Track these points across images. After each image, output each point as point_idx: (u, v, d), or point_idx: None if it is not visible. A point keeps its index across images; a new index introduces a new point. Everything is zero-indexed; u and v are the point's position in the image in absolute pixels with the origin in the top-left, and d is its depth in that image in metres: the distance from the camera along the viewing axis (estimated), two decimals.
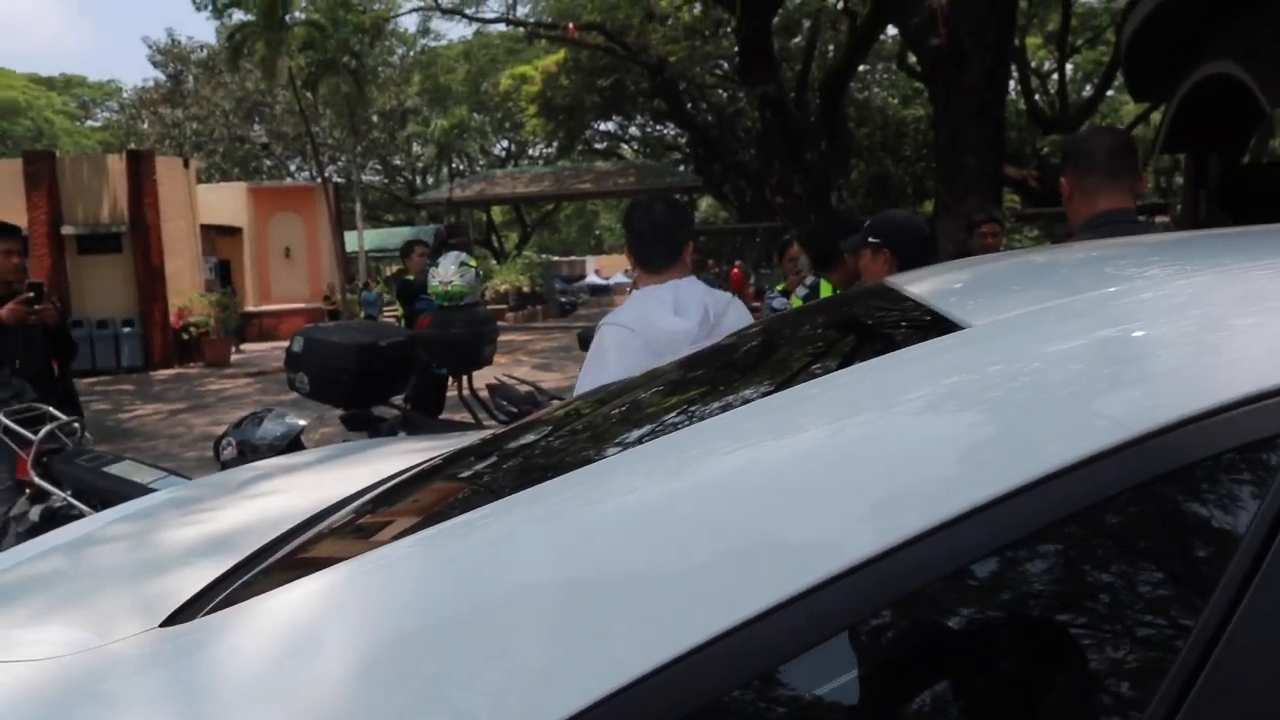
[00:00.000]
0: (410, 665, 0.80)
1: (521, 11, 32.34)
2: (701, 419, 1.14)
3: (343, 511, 1.45)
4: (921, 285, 1.36)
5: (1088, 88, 31.39)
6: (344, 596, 0.93)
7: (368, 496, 1.52)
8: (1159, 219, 26.70)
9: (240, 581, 1.16)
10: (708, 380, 1.47)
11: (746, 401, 1.13)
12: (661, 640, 0.74)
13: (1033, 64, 30.70)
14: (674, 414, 1.25)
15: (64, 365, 4.68)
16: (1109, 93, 28.97)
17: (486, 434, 1.98)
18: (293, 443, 3.97)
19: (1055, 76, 30.69)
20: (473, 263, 5.37)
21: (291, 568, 1.18)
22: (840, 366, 1.19)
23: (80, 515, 3.75)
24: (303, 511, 1.50)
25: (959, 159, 8.78)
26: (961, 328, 1.00)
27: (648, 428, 1.21)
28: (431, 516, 1.19)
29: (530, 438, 1.57)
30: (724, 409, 1.13)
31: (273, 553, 1.28)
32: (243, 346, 22.80)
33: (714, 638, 0.73)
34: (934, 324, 1.08)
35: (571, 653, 0.77)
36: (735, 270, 22.93)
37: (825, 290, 4.79)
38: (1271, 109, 15.91)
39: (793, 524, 0.79)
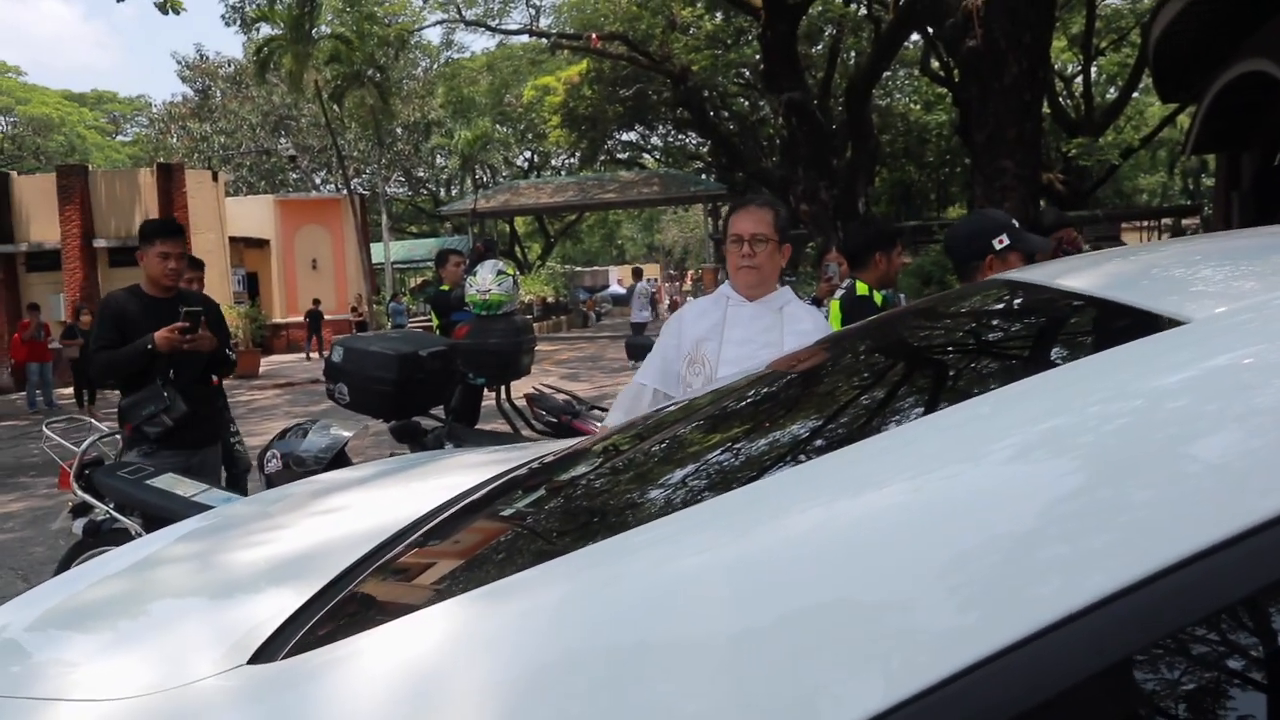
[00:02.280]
0: (547, 711, 0.72)
1: (544, 23, 32.47)
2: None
3: (418, 536, 1.37)
4: (1077, 279, 1.20)
5: (1112, 90, 31.10)
6: (459, 635, 0.85)
7: (441, 519, 1.44)
8: (1186, 221, 26.41)
9: (325, 611, 1.08)
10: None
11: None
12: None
13: (1057, 66, 30.45)
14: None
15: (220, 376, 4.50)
16: (1134, 95, 28.65)
17: (545, 453, 1.89)
18: (338, 455, 3.90)
19: (1080, 79, 30.42)
20: (510, 271, 5.31)
21: (382, 598, 1.10)
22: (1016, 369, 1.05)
23: (123, 529, 3.71)
24: (373, 532, 1.42)
25: (996, 161, 8.65)
26: (1180, 322, 0.86)
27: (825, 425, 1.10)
28: (519, 550, 1.10)
29: (595, 468, 1.47)
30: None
31: (353, 579, 1.20)
32: (270, 358, 22.87)
33: None
34: (1132, 320, 0.94)
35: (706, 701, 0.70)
36: None
37: (861, 290, 4.74)
38: None
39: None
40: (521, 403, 5.47)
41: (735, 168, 31.04)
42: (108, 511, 3.74)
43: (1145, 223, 26.84)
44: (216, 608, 1.21)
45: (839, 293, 5.18)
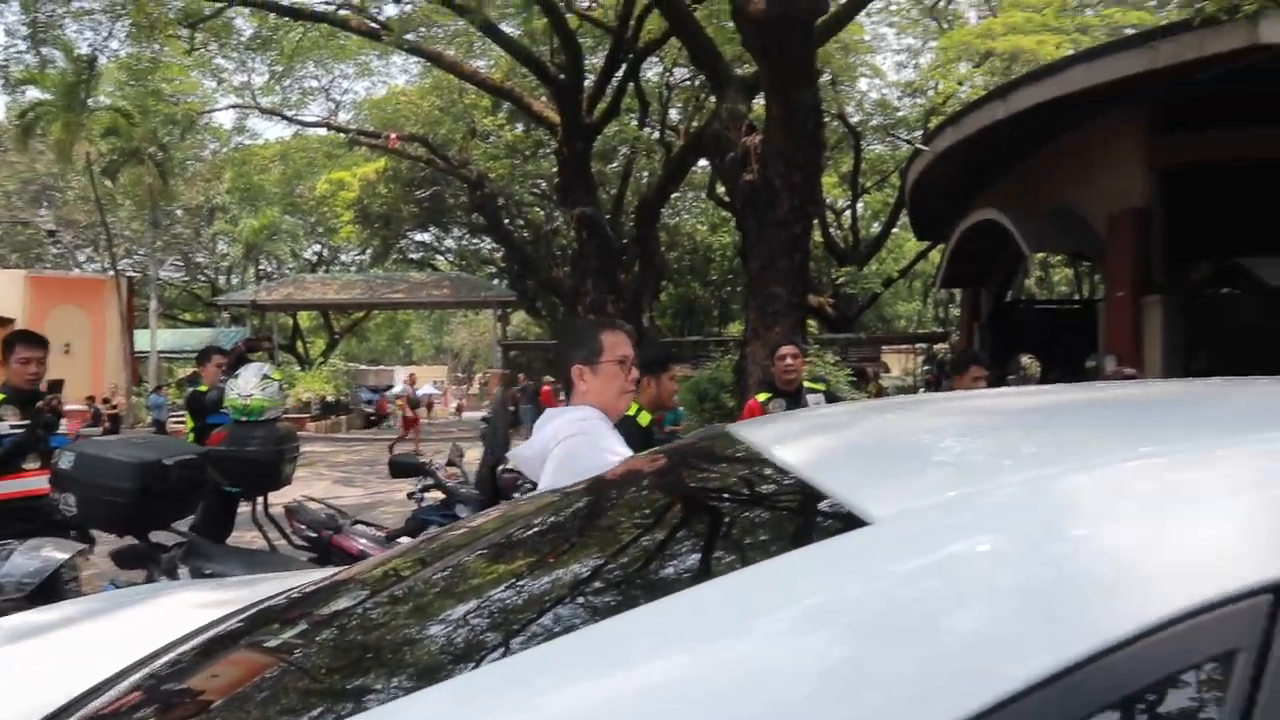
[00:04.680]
0: None
1: (343, 118, 32.06)
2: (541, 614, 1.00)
3: (112, 697, 1.23)
4: (790, 449, 1.24)
5: (876, 225, 34.00)
6: None
7: (144, 685, 1.30)
8: (937, 346, 29.02)
9: None
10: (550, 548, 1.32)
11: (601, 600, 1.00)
12: None
13: (829, 200, 33.10)
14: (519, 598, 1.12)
15: None
16: (895, 230, 31.47)
17: (283, 590, 1.76)
18: (48, 581, 3.47)
19: (848, 213, 33.19)
20: (276, 375, 5.07)
21: None
22: (703, 557, 1.06)
23: None
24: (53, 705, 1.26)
25: (769, 288, 9.18)
26: (865, 522, 0.87)
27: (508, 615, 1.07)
28: None
29: (344, 605, 1.38)
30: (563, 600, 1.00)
31: None
32: None
33: None
34: (824, 510, 0.96)
35: None
36: (546, 388, 22.80)
37: (629, 410, 4.84)
38: (1029, 252, 17.74)
39: None
40: (280, 512, 5.17)
41: (527, 275, 31.44)
42: None
43: (903, 346, 29.19)
44: None
45: None
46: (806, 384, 6.43)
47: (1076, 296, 26.87)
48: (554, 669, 0.83)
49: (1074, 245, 17.79)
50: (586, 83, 20.53)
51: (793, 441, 1.33)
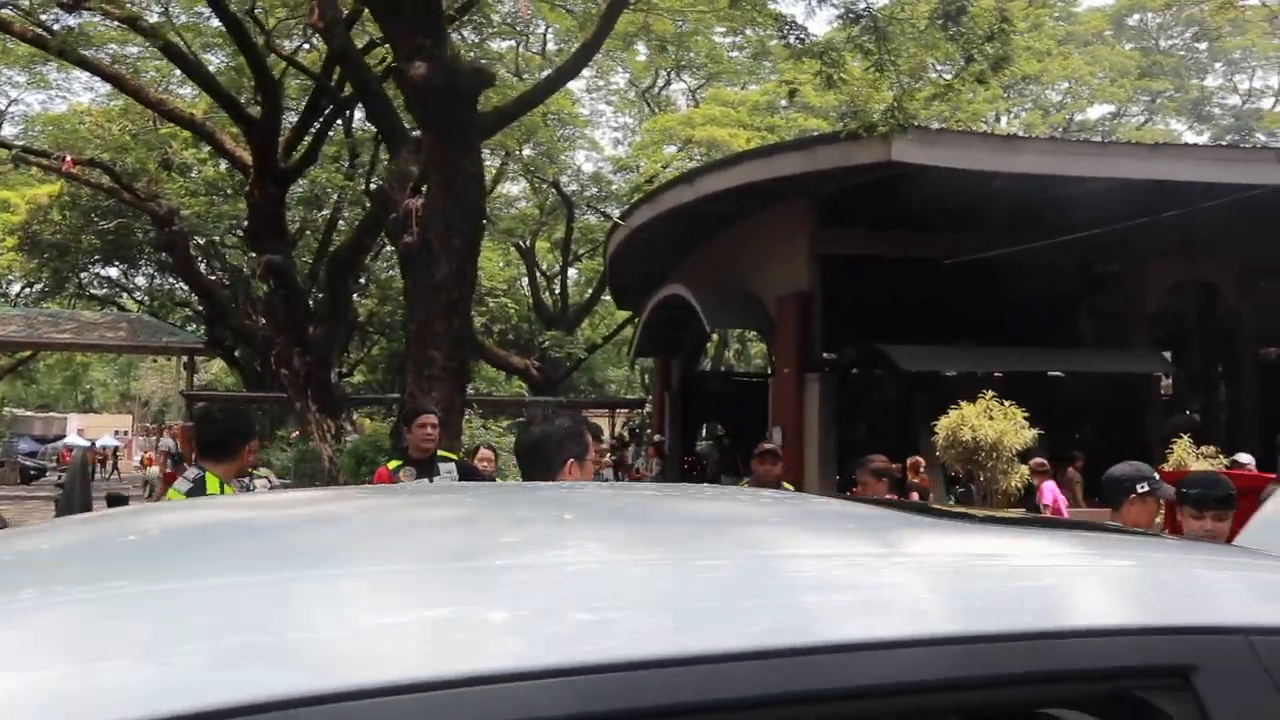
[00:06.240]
0: None
1: (9, 130, 28.81)
2: None
3: None
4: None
5: (589, 292, 34.98)
6: None
7: None
8: (637, 411, 30.16)
9: None
10: None
11: None
12: None
13: (542, 266, 33.73)
14: None
15: None
16: (604, 297, 32.50)
17: None
18: None
19: (559, 279, 34.00)
20: None
21: None
22: None
23: None
24: None
25: (425, 351, 9.06)
26: None
27: None
28: None
29: None
30: None
31: None
32: None
33: None
34: None
35: None
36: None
37: (211, 485, 4.51)
38: (709, 327, 18.84)
39: None
40: None
41: (223, 322, 29.48)
42: None
43: (604, 410, 30.08)
44: None
45: (184, 485, 4.84)
46: (441, 453, 6.44)
47: (769, 369, 28.90)
48: None
49: (750, 323, 19.12)
50: (288, 125, 19.75)
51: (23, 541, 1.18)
